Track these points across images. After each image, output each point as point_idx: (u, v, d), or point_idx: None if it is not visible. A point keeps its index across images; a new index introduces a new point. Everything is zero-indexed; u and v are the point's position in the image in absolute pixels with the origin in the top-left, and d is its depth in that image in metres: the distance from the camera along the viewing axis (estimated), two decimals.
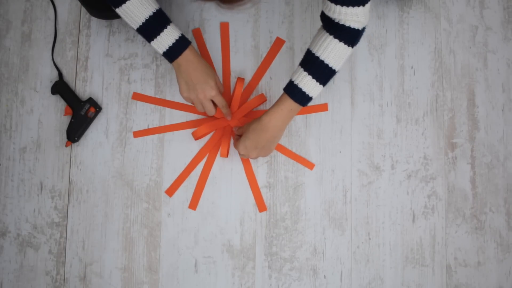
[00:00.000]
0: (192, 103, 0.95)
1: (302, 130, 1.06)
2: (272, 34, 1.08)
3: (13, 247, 1.05)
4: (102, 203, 1.05)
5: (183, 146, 1.06)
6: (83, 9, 1.10)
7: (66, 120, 1.07)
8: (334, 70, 0.84)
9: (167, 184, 1.05)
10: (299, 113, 1.05)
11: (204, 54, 1.07)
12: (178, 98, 1.07)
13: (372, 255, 1.03)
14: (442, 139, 1.06)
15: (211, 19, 1.09)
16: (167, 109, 1.07)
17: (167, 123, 1.06)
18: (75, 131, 1.04)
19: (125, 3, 0.85)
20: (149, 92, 1.07)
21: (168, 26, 0.88)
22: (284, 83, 1.06)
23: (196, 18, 1.09)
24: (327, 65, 0.83)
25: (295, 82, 0.86)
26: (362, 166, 1.05)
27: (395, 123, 1.06)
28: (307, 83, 0.85)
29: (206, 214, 1.04)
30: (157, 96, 1.07)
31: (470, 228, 1.04)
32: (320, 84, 0.85)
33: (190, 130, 1.06)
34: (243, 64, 1.07)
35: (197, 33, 1.08)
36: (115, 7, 0.86)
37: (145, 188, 1.05)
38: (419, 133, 1.06)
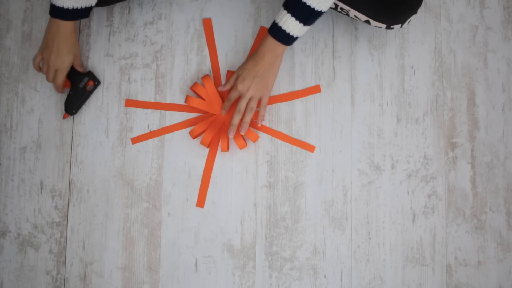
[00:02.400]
0: (40, 68, 1.00)
1: (302, 130, 1.06)
2: None
3: (14, 246, 1.05)
4: (102, 202, 1.05)
5: (184, 146, 1.06)
6: None
7: (66, 121, 1.07)
8: (313, 9, 0.86)
9: (167, 184, 1.05)
10: (295, 98, 1.06)
11: (211, 45, 1.07)
12: (178, 98, 1.07)
13: (372, 254, 1.03)
14: (442, 138, 1.06)
15: (212, 19, 1.09)
16: (167, 110, 1.07)
17: (167, 122, 1.06)
18: (73, 103, 1.04)
19: None
20: (150, 92, 1.07)
21: None
22: (284, 83, 1.07)
23: (196, 18, 1.09)
24: (304, 3, 0.86)
25: (276, 22, 0.90)
26: (362, 166, 1.05)
27: (395, 123, 1.06)
28: (287, 22, 0.89)
29: (207, 213, 1.05)
30: (157, 96, 1.07)
31: (470, 228, 1.05)
32: (300, 22, 0.88)
33: (189, 130, 1.06)
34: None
35: (207, 23, 1.08)
36: None
37: (145, 188, 1.05)
38: (419, 132, 1.06)
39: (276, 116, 1.06)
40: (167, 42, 1.08)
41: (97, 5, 1.01)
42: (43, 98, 1.08)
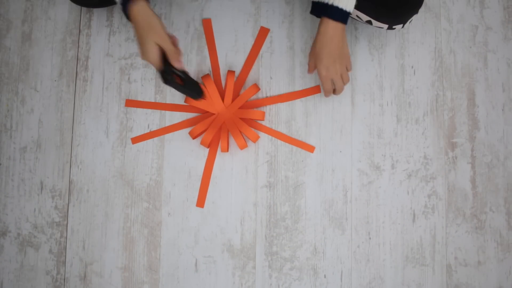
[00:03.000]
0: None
1: (302, 130, 1.06)
2: (272, 33, 1.08)
3: (14, 246, 1.05)
4: (102, 202, 1.05)
5: (184, 146, 1.06)
6: (84, 9, 1.10)
7: (66, 120, 1.07)
8: None
9: (167, 184, 1.05)
10: (295, 98, 1.06)
11: (211, 45, 1.07)
12: (178, 98, 1.07)
13: (372, 254, 1.03)
14: (442, 138, 1.06)
15: (212, 19, 1.09)
16: (167, 111, 1.07)
17: (167, 122, 1.06)
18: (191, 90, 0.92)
19: None
20: (150, 91, 1.07)
21: None
22: (284, 83, 1.07)
23: (196, 18, 1.09)
24: None
25: (329, 3, 0.88)
26: (363, 166, 1.05)
27: (395, 123, 1.06)
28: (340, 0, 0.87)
29: (207, 213, 1.05)
30: (157, 96, 1.07)
31: (470, 228, 1.05)
32: None
33: (188, 130, 1.06)
34: (243, 64, 1.07)
35: (207, 23, 1.08)
36: None
37: (145, 188, 1.05)
38: (419, 132, 1.06)
39: (276, 116, 1.06)
40: None
41: (98, 5, 1.01)
42: (43, 98, 1.08)
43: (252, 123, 1.04)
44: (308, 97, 1.06)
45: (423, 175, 1.05)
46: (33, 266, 1.04)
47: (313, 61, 0.95)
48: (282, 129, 1.06)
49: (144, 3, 0.85)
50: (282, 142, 1.05)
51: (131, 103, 1.07)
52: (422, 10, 1.08)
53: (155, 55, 0.85)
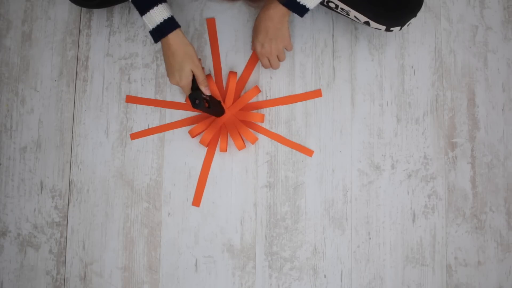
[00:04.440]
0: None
1: (302, 130, 1.06)
2: None
3: (14, 246, 1.05)
4: (102, 202, 1.05)
5: (184, 146, 1.06)
6: (84, 9, 1.10)
7: (66, 120, 1.07)
8: None
9: (167, 184, 1.05)
10: (296, 101, 1.06)
11: (214, 45, 1.07)
12: (178, 98, 1.07)
13: (372, 254, 1.03)
14: (442, 138, 1.06)
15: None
16: (167, 109, 1.07)
17: (167, 122, 1.06)
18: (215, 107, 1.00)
19: None
20: (150, 91, 1.07)
21: (161, 4, 0.89)
22: (284, 83, 1.07)
23: (196, 17, 1.09)
24: None
25: None
26: (362, 166, 1.05)
27: (395, 123, 1.06)
28: None
29: (207, 213, 1.04)
30: (157, 96, 1.07)
31: (470, 228, 1.05)
32: None
33: (189, 128, 1.06)
34: (243, 63, 1.07)
35: (211, 22, 1.08)
36: None
37: (145, 188, 1.05)
38: (419, 132, 1.06)
39: (276, 116, 1.06)
40: None
41: (98, 6, 1.01)
42: (43, 98, 1.08)
43: (252, 125, 1.04)
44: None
45: (423, 175, 1.05)
46: (33, 266, 1.04)
47: (253, 36, 0.99)
48: (282, 129, 1.06)
49: (181, 32, 0.92)
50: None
51: (131, 99, 1.06)
52: (422, 10, 1.08)
53: (189, 81, 0.93)
